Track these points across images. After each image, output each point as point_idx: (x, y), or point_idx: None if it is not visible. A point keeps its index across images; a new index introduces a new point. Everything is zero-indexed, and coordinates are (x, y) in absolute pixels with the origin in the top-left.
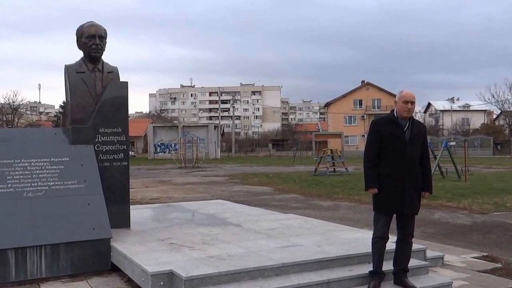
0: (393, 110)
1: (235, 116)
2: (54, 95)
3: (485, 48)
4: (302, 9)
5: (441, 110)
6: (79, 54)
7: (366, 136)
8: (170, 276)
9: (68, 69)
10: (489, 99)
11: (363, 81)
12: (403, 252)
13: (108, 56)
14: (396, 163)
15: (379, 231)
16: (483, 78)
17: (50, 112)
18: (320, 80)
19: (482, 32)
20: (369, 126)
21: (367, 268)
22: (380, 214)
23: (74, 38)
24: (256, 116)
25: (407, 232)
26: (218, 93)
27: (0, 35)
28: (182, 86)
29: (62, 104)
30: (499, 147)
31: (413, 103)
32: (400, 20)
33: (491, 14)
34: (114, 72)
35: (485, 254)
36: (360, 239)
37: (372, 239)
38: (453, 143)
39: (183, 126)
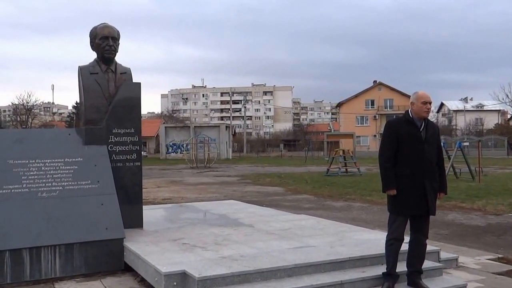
0: (408, 110)
1: (247, 116)
2: (67, 96)
3: (499, 47)
4: (315, 9)
5: (454, 110)
6: (93, 55)
7: (378, 137)
8: (183, 276)
9: (81, 70)
10: (503, 98)
11: (375, 81)
12: (417, 253)
13: (121, 57)
14: (415, 164)
15: (395, 232)
16: (497, 77)
17: (63, 113)
18: (331, 80)
19: (497, 31)
20: (384, 127)
21: (380, 269)
22: (397, 215)
23: (87, 39)
24: (268, 116)
25: (422, 233)
26: (230, 93)
27: (15, 36)
28: (193, 86)
29: (76, 105)
30: None
31: (431, 103)
32: (414, 18)
33: (507, 13)
34: (127, 73)
35: (500, 255)
36: (373, 240)
37: (387, 240)
38: (466, 144)
39: (194, 126)
